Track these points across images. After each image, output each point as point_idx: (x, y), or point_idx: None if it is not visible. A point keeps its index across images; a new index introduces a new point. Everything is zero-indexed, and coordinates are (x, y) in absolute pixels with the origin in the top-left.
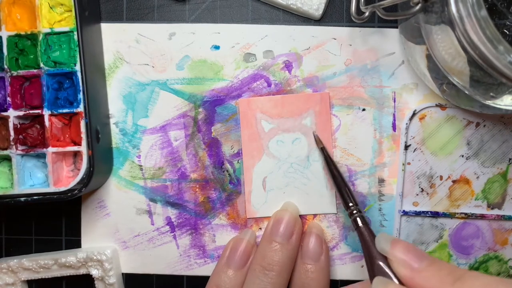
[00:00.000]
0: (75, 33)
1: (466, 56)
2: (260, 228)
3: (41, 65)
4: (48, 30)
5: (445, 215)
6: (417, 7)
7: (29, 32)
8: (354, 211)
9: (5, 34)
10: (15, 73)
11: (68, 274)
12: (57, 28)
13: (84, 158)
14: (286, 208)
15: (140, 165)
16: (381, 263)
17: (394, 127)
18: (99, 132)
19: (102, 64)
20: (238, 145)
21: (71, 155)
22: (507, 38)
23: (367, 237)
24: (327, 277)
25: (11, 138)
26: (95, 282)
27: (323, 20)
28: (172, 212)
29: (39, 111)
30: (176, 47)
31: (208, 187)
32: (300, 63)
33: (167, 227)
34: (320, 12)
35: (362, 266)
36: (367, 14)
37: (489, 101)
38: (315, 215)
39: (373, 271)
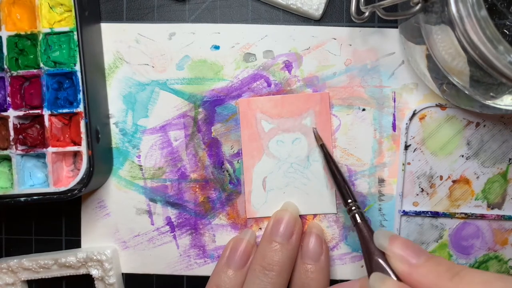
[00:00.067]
0: (75, 33)
1: (466, 56)
2: (260, 228)
3: (41, 65)
4: (48, 30)
5: (445, 215)
6: (417, 7)
7: (29, 32)
8: (353, 208)
9: (5, 34)
10: (15, 73)
11: (68, 274)
12: (57, 28)
13: (84, 158)
14: (286, 208)
15: (140, 165)
16: (379, 259)
17: (394, 127)
18: (99, 132)
19: (102, 64)
20: (238, 145)
21: (71, 155)
22: (507, 38)
23: (365, 233)
24: (327, 277)
25: (11, 138)
26: (95, 282)
27: (323, 20)
28: (172, 212)
29: (39, 111)
30: (176, 47)
31: (208, 187)
32: (300, 63)
33: (167, 227)
34: (320, 12)
35: (362, 266)
36: (367, 14)
37: (489, 101)
38: (315, 215)
39: (371, 267)
